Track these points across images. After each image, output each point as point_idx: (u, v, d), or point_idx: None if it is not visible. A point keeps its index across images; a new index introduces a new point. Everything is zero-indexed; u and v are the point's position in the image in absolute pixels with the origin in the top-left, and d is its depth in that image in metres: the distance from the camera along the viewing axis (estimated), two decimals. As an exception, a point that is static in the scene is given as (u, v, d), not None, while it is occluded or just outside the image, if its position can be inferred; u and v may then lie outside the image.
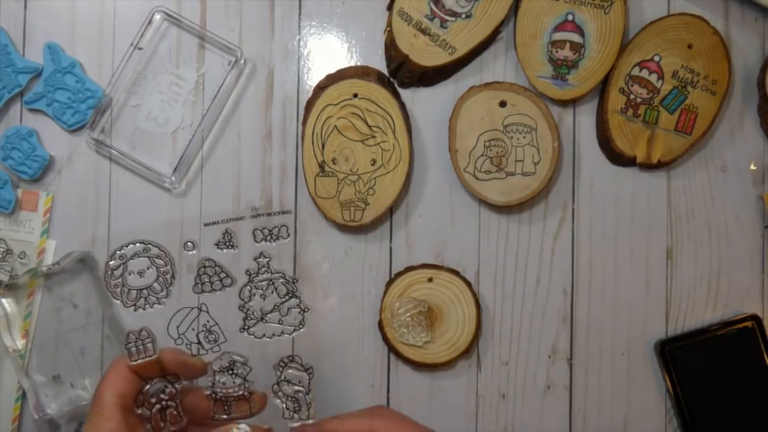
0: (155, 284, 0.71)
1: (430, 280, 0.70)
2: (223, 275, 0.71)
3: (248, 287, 0.71)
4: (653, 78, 0.69)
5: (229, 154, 0.72)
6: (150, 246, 0.71)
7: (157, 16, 0.71)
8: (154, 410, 0.53)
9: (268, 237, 0.70)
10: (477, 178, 0.69)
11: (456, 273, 0.70)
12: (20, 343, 0.70)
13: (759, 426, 0.68)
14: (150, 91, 0.72)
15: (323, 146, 0.69)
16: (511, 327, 0.71)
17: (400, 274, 0.70)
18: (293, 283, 0.70)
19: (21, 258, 0.72)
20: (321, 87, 0.71)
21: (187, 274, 0.71)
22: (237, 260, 0.71)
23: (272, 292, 0.70)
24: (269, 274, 0.71)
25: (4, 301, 0.70)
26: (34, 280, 0.71)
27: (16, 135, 0.71)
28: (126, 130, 0.72)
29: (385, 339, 0.70)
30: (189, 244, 0.70)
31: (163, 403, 0.53)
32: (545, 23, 0.69)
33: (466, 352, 0.70)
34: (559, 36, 0.69)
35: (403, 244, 0.71)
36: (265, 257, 0.71)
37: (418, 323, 0.69)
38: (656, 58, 0.69)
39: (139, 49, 0.71)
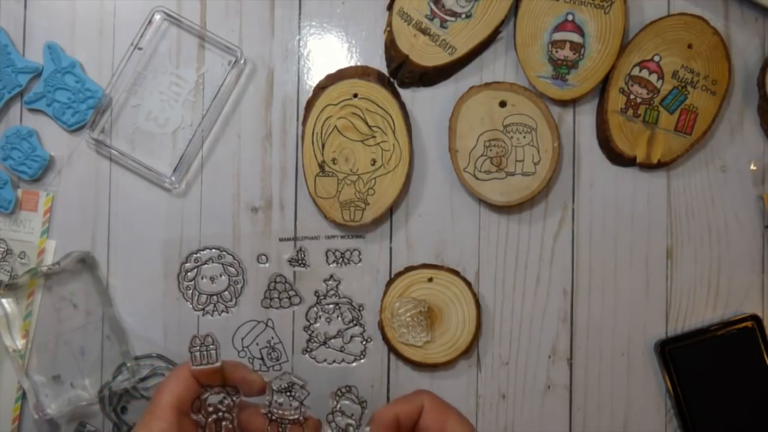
0: (226, 292, 0.71)
1: (430, 280, 0.70)
2: (292, 293, 0.70)
3: (315, 309, 0.70)
4: (653, 78, 0.69)
5: (229, 154, 0.72)
6: (224, 253, 0.71)
7: (157, 16, 0.71)
8: (210, 419, 0.53)
9: (340, 260, 0.70)
10: (477, 178, 0.69)
11: (456, 273, 0.70)
12: (20, 343, 0.70)
13: (759, 426, 0.68)
14: (150, 91, 0.72)
15: (323, 146, 0.69)
16: (511, 327, 0.71)
17: (400, 274, 0.70)
18: (359, 310, 0.70)
19: (21, 258, 0.72)
20: (321, 87, 0.71)
21: (257, 287, 0.70)
22: (307, 279, 0.71)
23: (338, 317, 0.70)
24: (337, 298, 0.70)
25: (4, 301, 0.70)
26: (34, 280, 0.71)
27: (16, 135, 0.71)
28: (126, 130, 0.72)
29: (385, 339, 0.70)
30: (262, 257, 0.70)
31: (220, 413, 0.54)
32: (545, 23, 0.69)
33: (466, 352, 0.70)
34: (559, 36, 0.69)
35: (403, 244, 0.71)
36: (334, 280, 0.70)
37: (418, 323, 0.69)
38: (656, 58, 0.69)
39: (139, 49, 0.71)
